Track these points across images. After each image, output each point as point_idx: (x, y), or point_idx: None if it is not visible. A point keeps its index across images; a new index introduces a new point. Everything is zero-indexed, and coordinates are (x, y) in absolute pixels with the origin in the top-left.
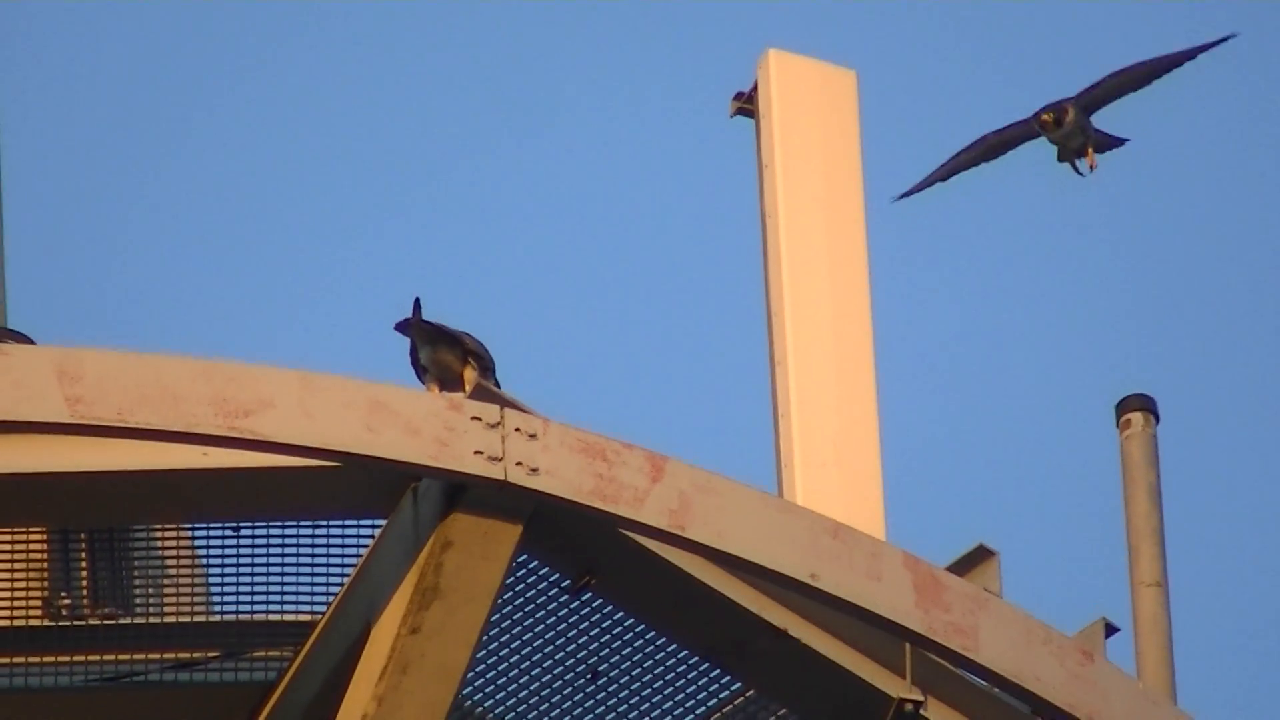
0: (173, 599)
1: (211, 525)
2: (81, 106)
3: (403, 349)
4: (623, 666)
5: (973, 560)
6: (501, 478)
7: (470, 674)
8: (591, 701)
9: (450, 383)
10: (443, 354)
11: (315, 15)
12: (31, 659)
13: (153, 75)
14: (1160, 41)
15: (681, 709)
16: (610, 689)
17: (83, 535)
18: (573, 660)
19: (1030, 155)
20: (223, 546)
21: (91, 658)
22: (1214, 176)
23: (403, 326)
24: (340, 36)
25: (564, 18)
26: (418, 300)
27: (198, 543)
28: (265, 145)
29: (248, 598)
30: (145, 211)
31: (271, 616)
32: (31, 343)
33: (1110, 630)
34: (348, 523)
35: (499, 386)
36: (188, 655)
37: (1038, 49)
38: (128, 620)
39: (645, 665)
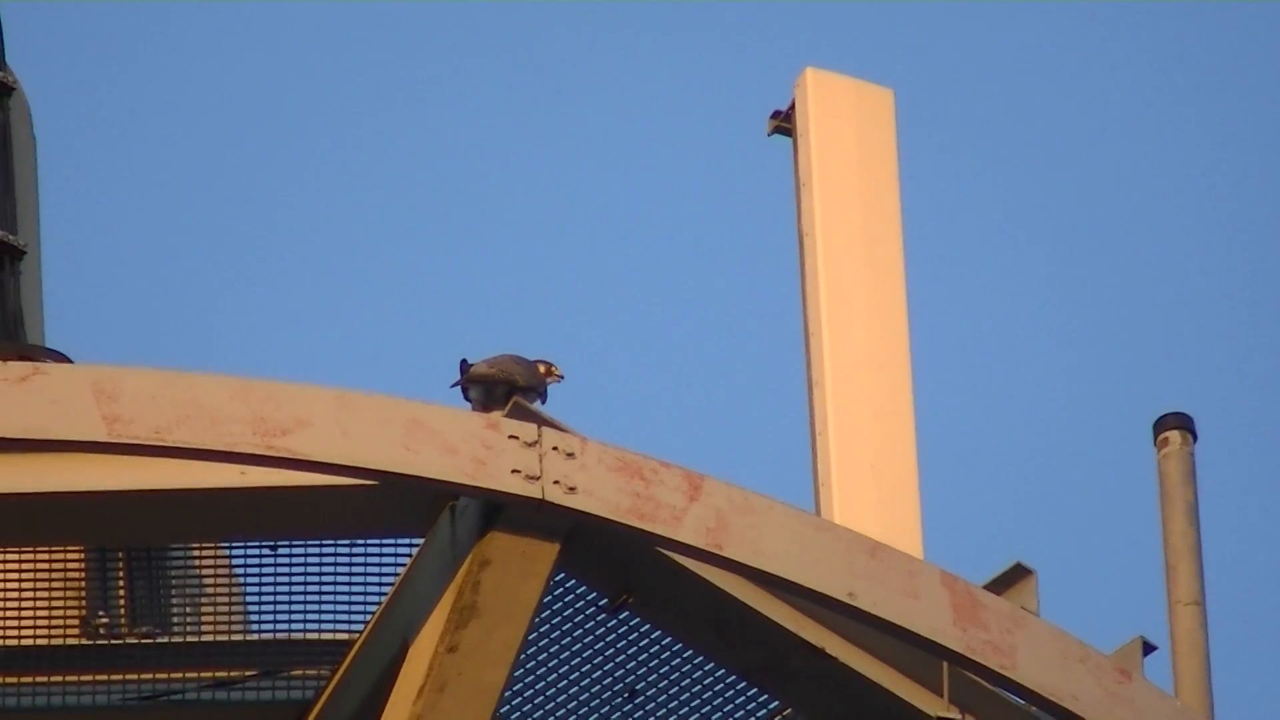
0: (210, 618)
1: (249, 544)
2: (117, 124)
3: (438, 367)
4: (660, 685)
5: (1010, 579)
6: (539, 496)
7: (508, 693)
8: None
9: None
10: (497, 396)
11: (361, 48)
12: (69, 678)
13: (187, 92)
14: (1186, 54)
15: None
16: (648, 708)
17: (120, 554)
18: (610, 679)
19: (1067, 179)
20: (260, 565)
21: (129, 676)
22: (1257, 197)
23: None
24: (383, 68)
25: (601, 39)
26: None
27: (235, 561)
28: (299, 163)
29: (285, 616)
30: (181, 231)
31: (309, 635)
32: (69, 362)
33: (1148, 649)
34: (385, 541)
35: (544, 401)
36: (225, 674)
37: (1073, 67)
38: (165, 639)
39: (683, 684)
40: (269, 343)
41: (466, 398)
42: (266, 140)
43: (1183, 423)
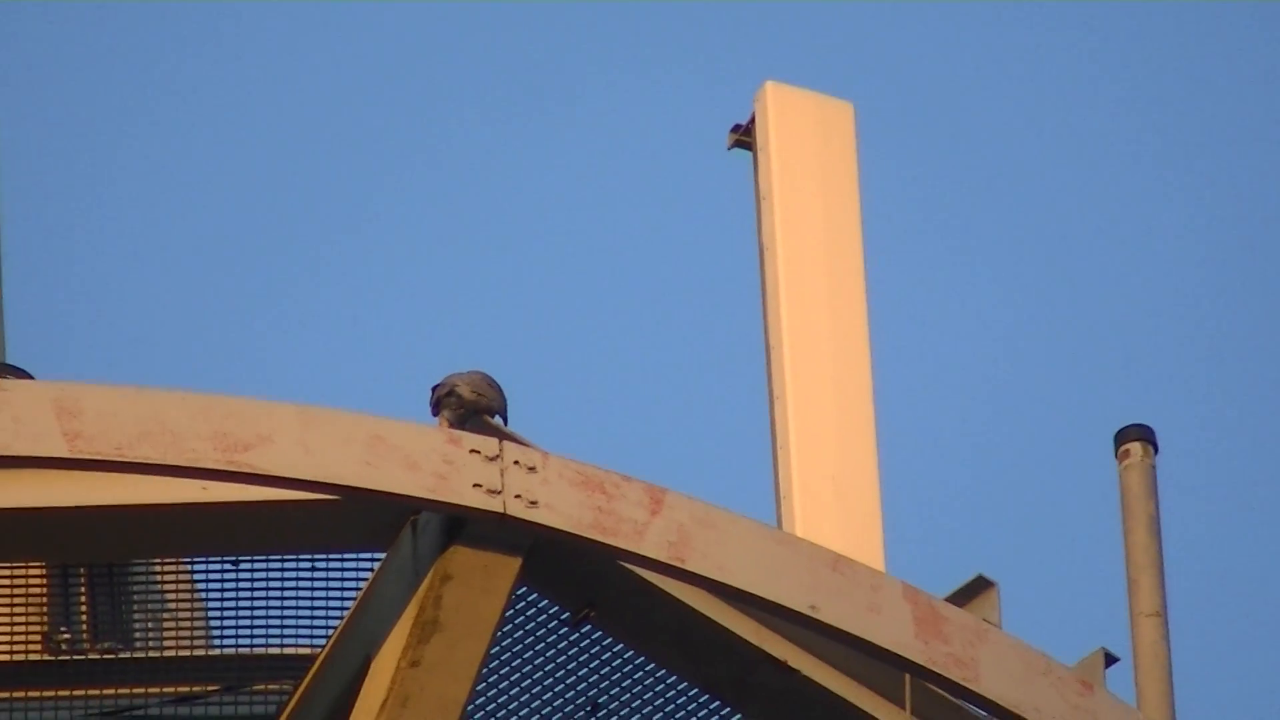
0: (172, 633)
1: (211, 560)
2: (79, 133)
3: (399, 383)
4: (623, 699)
5: (972, 591)
6: (501, 511)
7: (470, 707)
8: None
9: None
10: (468, 418)
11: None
12: (31, 694)
13: (148, 98)
14: (1144, 63)
15: None
16: None
17: (82, 570)
18: (572, 693)
19: (1027, 192)
20: (222, 581)
21: (91, 692)
22: (1216, 210)
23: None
24: (358, 67)
25: (559, 55)
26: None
27: (197, 577)
28: (263, 177)
29: (248, 632)
30: (143, 247)
31: (271, 650)
32: (31, 378)
33: (1110, 660)
34: (347, 556)
35: (506, 423)
36: (188, 689)
37: (1033, 79)
38: (128, 655)
39: (645, 698)
40: (232, 357)
41: (435, 413)
42: (228, 151)
43: (1144, 435)
